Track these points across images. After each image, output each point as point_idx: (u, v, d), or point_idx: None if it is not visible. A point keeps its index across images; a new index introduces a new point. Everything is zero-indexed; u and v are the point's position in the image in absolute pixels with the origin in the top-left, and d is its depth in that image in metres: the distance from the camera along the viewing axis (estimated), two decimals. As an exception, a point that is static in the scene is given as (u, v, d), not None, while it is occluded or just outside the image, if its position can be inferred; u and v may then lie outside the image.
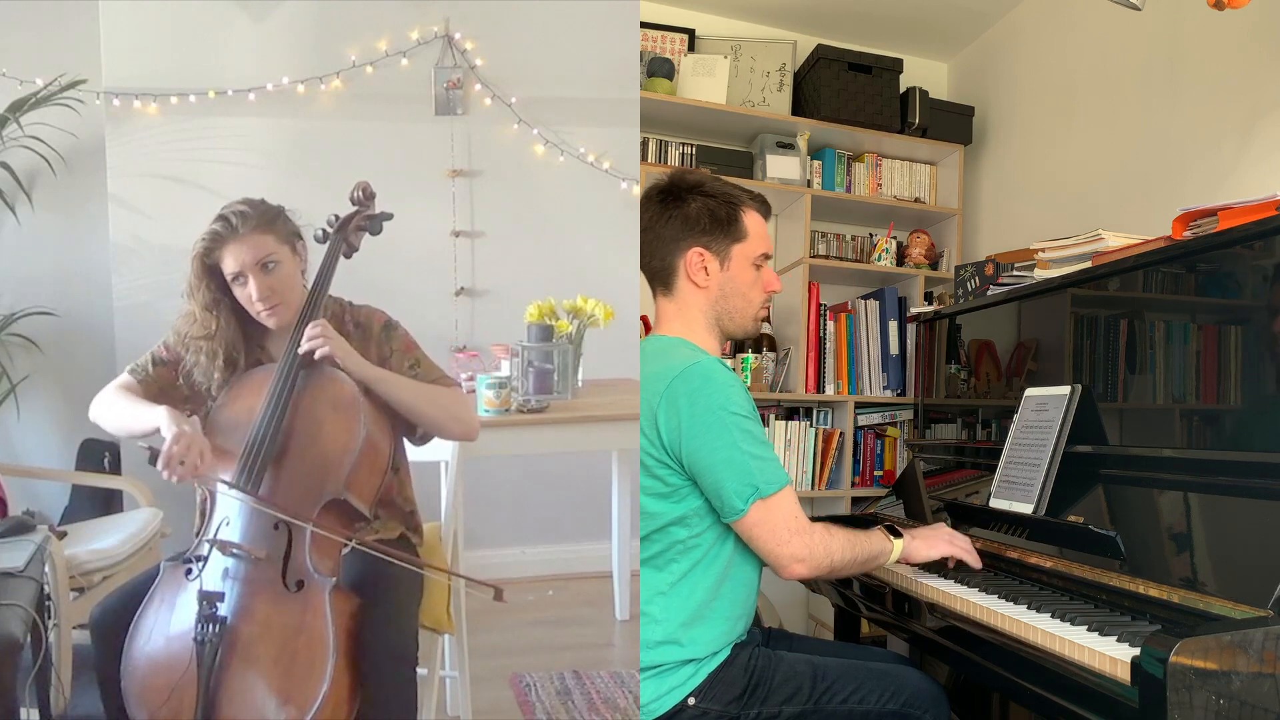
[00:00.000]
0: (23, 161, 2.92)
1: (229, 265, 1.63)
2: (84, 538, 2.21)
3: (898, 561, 1.71)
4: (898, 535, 1.68)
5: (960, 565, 1.78)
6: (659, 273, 1.69)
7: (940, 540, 1.75)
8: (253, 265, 1.63)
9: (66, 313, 2.99)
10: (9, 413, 2.99)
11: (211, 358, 1.67)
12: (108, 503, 2.81)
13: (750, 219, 1.68)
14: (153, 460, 1.53)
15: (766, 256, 1.72)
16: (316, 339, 1.61)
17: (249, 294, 1.64)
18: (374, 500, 1.67)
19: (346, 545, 1.68)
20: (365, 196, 1.80)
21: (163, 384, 1.70)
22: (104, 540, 2.20)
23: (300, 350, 1.62)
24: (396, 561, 1.57)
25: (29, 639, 1.47)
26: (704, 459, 1.52)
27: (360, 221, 1.79)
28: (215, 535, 1.56)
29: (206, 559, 1.55)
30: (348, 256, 1.78)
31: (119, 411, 1.65)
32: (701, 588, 1.58)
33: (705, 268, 1.65)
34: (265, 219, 1.66)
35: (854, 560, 1.59)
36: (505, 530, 3.40)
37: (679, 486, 1.57)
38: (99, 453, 2.90)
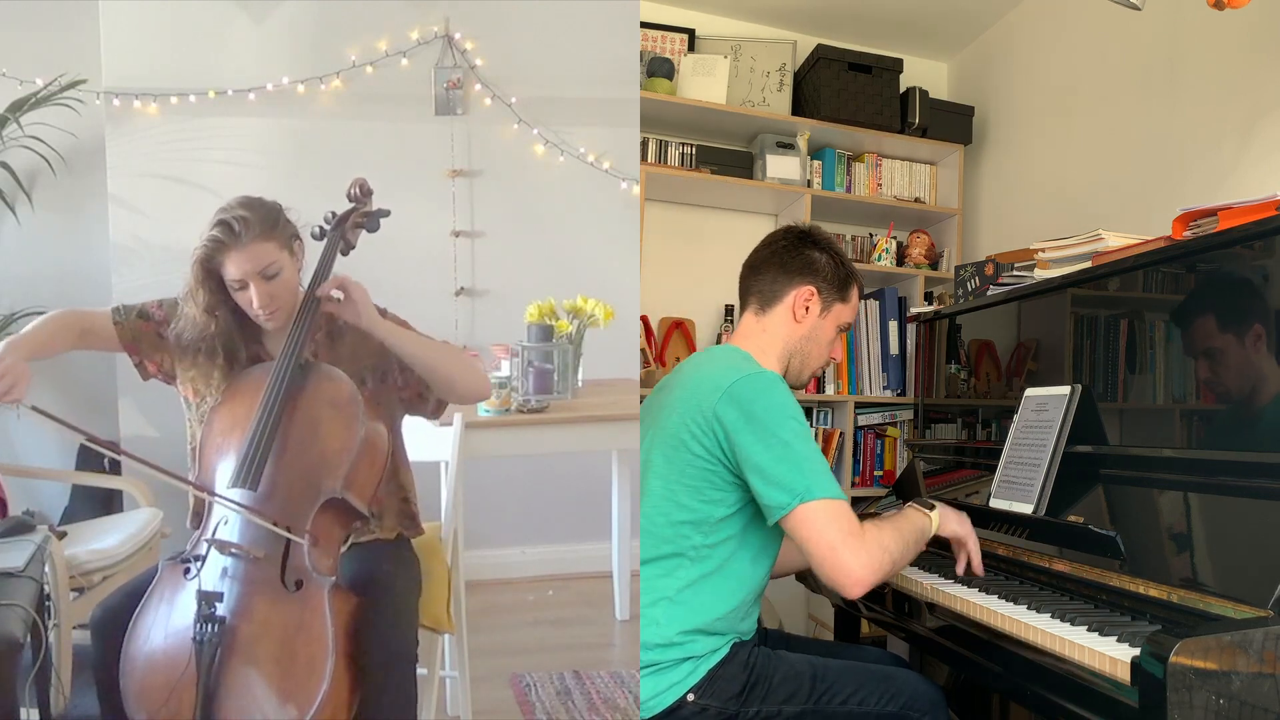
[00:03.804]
0: (23, 161, 2.91)
1: (231, 273, 1.62)
2: (84, 538, 2.21)
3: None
4: (930, 508, 1.69)
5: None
6: (764, 293, 1.79)
7: (967, 520, 1.77)
8: (255, 274, 1.62)
9: (66, 313, 2.98)
10: (9, 412, 2.98)
11: (211, 356, 1.68)
12: (108, 503, 2.81)
13: (855, 292, 1.85)
14: None
15: (849, 327, 1.88)
16: (341, 288, 1.63)
17: (249, 298, 1.64)
18: (372, 498, 1.67)
19: (344, 545, 1.68)
20: (362, 193, 1.80)
21: (137, 333, 1.72)
22: (104, 540, 2.20)
23: (319, 292, 1.65)
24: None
25: (29, 639, 1.47)
26: (761, 454, 1.53)
27: (357, 219, 1.79)
28: (214, 535, 1.56)
29: (205, 558, 1.54)
30: (344, 254, 1.78)
31: (36, 321, 1.67)
32: (710, 602, 1.59)
33: (809, 306, 1.78)
34: (266, 225, 1.64)
35: (906, 547, 1.59)
36: (505, 530, 3.41)
37: (720, 487, 1.58)
38: (99, 453, 2.89)
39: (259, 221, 1.63)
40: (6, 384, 1.55)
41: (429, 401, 1.80)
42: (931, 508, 1.69)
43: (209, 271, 1.64)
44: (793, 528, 1.52)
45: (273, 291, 1.65)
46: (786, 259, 1.78)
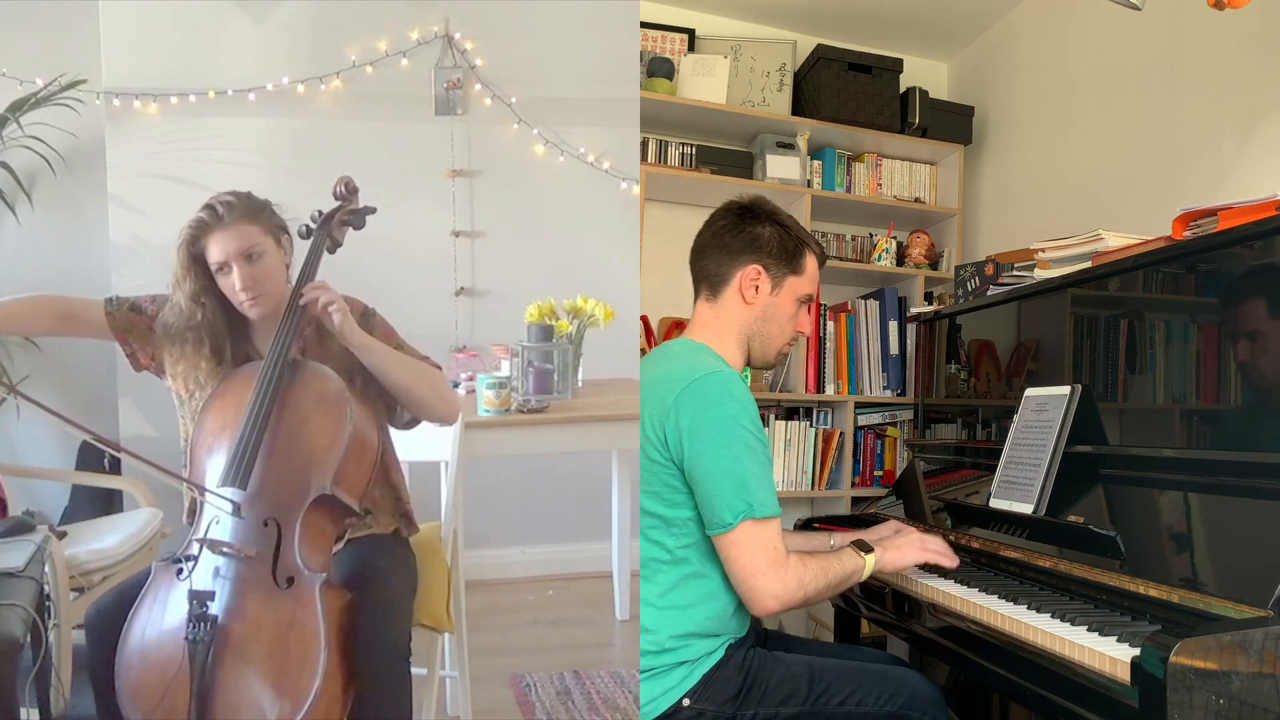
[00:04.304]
0: (23, 161, 2.91)
1: (214, 254, 1.65)
2: (84, 538, 2.21)
3: (875, 575, 1.70)
4: (868, 550, 1.67)
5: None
6: (711, 278, 1.73)
7: (911, 548, 1.75)
8: (237, 255, 1.64)
9: (66, 313, 2.98)
10: (9, 413, 2.99)
11: (198, 346, 1.69)
12: (108, 503, 2.81)
13: (809, 261, 1.75)
14: None
15: (810, 298, 1.78)
16: (319, 291, 1.63)
17: (232, 283, 1.65)
18: (363, 494, 1.67)
19: (339, 542, 1.69)
20: (348, 191, 1.81)
21: (129, 325, 1.74)
22: (104, 540, 2.20)
23: (301, 301, 1.64)
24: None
25: (29, 639, 1.47)
26: (704, 465, 1.53)
27: (344, 216, 1.79)
28: (205, 534, 1.57)
29: (197, 558, 1.55)
30: (331, 252, 1.78)
31: (14, 298, 1.68)
32: (696, 604, 1.58)
33: (758, 286, 1.70)
34: (251, 210, 1.68)
35: (827, 586, 1.58)
36: (505, 530, 3.41)
37: (678, 489, 1.57)
38: (99, 453, 2.90)
39: (242, 206, 1.67)
40: None
41: (399, 415, 1.81)
42: (869, 550, 1.67)
43: (194, 256, 1.66)
44: (725, 545, 1.53)
45: (255, 275, 1.66)
46: (728, 239, 1.71)
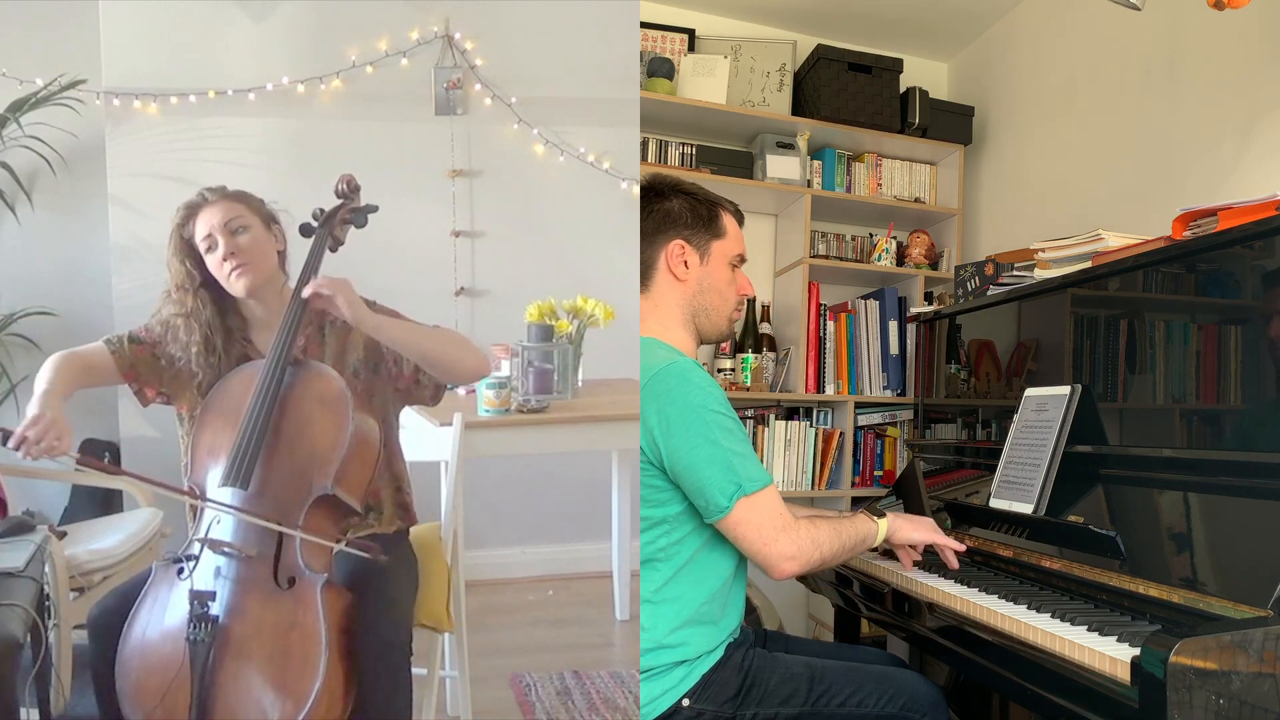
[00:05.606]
0: (23, 161, 2.91)
1: (200, 231, 1.68)
2: (84, 538, 2.21)
3: (885, 542, 1.72)
4: (881, 515, 1.69)
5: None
6: (639, 268, 1.70)
7: (925, 526, 1.77)
8: (221, 226, 1.67)
9: (66, 313, 2.98)
10: (9, 413, 2.99)
11: (188, 334, 1.69)
12: (107, 503, 2.82)
13: (728, 221, 1.73)
14: (3, 440, 1.50)
15: (742, 259, 1.75)
16: (323, 283, 1.63)
17: (218, 258, 1.67)
18: (365, 494, 1.67)
19: (338, 544, 1.68)
20: (350, 189, 1.81)
21: (135, 359, 1.72)
22: (104, 540, 2.20)
23: (305, 294, 1.64)
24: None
25: (29, 639, 1.47)
26: (685, 457, 1.52)
27: (345, 214, 1.79)
28: (206, 534, 1.56)
29: (198, 558, 1.55)
30: (333, 250, 1.78)
31: (46, 370, 1.65)
32: (686, 596, 1.58)
33: (685, 260, 1.68)
34: (238, 194, 1.72)
35: (842, 548, 1.59)
36: (505, 530, 3.41)
37: (661, 489, 1.57)
38: (99, 453, 2.90)
39: (230, 190, 1.72)
40: (53, 437, 1.52)
41: (426, 388, 1.81)
42: (881, 516, 1.68)
43: (184, 240, 1.70)
44: (729, 527, 1.53)
45: (240, 245, 1.67)
46: (640, 223, 1.68)
